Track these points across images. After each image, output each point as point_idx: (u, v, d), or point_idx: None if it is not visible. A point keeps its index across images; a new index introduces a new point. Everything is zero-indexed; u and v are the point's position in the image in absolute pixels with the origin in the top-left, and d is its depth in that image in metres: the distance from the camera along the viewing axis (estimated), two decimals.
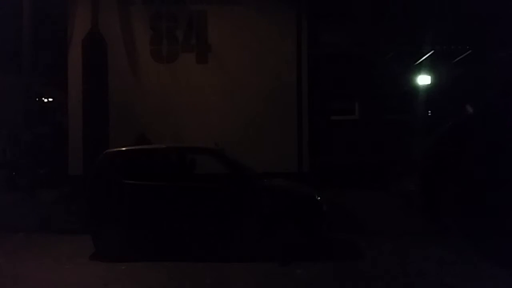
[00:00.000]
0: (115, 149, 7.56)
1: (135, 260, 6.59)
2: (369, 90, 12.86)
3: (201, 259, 6.65)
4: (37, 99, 14.57)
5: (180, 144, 8.79)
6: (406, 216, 9.10)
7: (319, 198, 7.03)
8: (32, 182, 11.26)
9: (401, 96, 12.80)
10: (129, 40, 12.08)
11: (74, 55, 11.97)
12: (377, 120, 12.70)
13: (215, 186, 7.11)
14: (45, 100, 16.27)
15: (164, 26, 12.13)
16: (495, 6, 10.97)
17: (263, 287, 5.75)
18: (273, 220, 6.70)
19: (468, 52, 12.45)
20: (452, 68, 12.73)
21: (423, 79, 13.06)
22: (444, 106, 11.77)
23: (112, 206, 6.93)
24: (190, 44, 12.10)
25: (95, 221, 6.96)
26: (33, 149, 11.42)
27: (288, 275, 5.99)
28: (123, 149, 7.52)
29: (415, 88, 13.09)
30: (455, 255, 6.69)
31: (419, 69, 13.07)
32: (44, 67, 12.92)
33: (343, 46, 12.49)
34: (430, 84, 13.07)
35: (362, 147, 12.47)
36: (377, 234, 7.94)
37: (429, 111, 13.22)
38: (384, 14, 12.37)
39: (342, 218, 8.70)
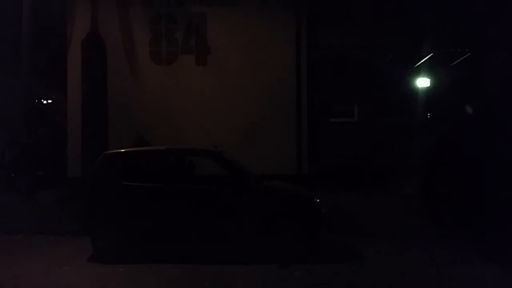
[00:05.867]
0: (114, 151, 7.55)
1: (134, 262, 6.58)
2: (369, 93, 12.85)
3: (200, 261, 6.64)
4: (36, 100, 14.58)
5: (179, 146, 8.77)
6: (405, 218, 9.09)
7: (318, 200, 7.02)
8: (31, 184, 11.28)
9: (401, 99, 12.79)
10: (128, 41, 12.10)
11: (74, 56, 11.99)
12: (376, 122, 12.70)
13: (214, 188, 7.08)
14: (45, 101, 16.28)
15: (164, 28, 12.15)
16: (495, 9, 10.99)
17: None
18: (272, 222, 6.68)
19: (467, 55, 12.47)
20: (451, 70, 12.75)
21: (422, 82, 13.08)
22: (443, 108, 11.77)
23: (111, 207, 6.92)
24: (189, 46, 12.12)
25: (94, 223, 6.95)
26: (32, 151, 11.43)
27: (287, 277, 5.98)
28: (122, 150, 7.51)
29: (415, 91, 13.10)
30: (455, 255, 6.69)
31: (418, 71, 13.09)
32: (44, 69, 12.93)
33: (342, 48, 12.50)
34: (429, 86, 13.08)
35: (361, 150, 12.46)
36: (377, 236, 7.93)
37: (428, 114, 13.23)
38: (384, 17, 12.38)
39: (341, 220, 8.69)
